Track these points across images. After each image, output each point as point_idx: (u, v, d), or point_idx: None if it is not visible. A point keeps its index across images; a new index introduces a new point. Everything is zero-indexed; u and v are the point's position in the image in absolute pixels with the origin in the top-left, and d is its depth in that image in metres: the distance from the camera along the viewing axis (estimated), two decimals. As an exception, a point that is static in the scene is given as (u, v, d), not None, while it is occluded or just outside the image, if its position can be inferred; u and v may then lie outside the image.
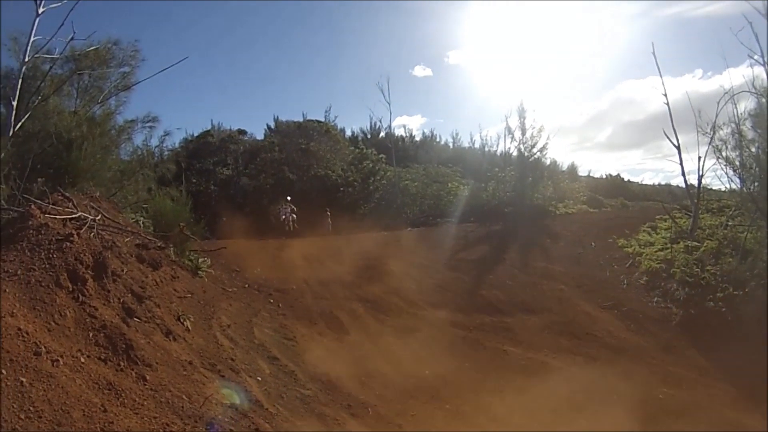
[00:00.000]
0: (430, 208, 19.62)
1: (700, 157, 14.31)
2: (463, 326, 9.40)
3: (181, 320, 6.60)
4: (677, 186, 16.27)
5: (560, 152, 55.07)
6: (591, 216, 18.66)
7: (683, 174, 15.35)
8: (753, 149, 12.72)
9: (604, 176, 29.04)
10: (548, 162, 22.30)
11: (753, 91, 12.71)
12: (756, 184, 12.54)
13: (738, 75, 16.97)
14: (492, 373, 7.83)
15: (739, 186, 13.18)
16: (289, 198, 19.67)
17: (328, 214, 18.51)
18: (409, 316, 9.69)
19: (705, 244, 12.44)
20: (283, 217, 18.83)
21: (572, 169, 27.19)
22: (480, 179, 20.37)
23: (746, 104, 13.07)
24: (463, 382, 7.47)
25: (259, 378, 6.23)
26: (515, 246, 14.15)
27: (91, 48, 12.37)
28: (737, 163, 12.93)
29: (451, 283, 11.49)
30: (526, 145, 19.45)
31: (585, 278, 11.96)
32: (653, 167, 49.10)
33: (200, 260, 9.74)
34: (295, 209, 19.08)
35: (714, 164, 13.77)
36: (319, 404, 6.07)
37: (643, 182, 30.05)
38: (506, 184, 19.25)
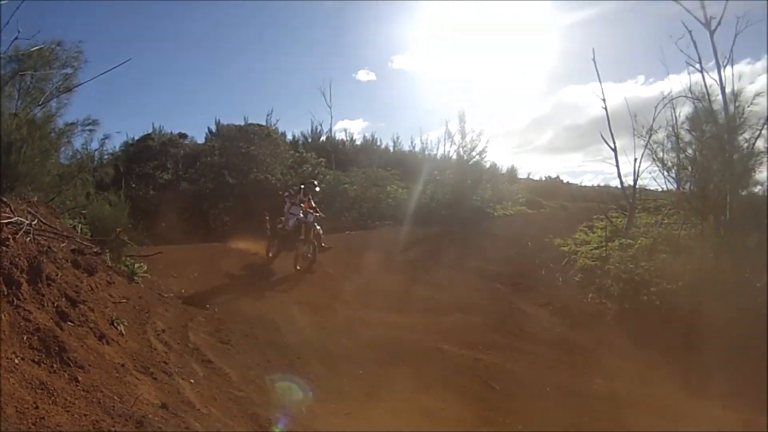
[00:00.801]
0: (369, 212, 19.54)
1: (636, 159, 14.92)
2: (398, 326, 9.47)
3: (115, 324, 6.59)
4: (615, 187, 16.97)
5: (501, 155, 55.65)
6: (529, 217, 19.11)
7: (619, 175, 15.90)
8: (689, 151, 13.19)
9: (544, 178, 29.56)
10: (488, 165, 22.57)
11: (690, 96, 13.20)
12: (689, 184, 13.08)
13: (679, 81, 17.96)
14: (426, 370, 7.95)
15: (675, 186, 13.68)
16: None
17: (267, 218, 17.86)
18: (345, 318, 9.75)
19: (639, 242, 12.89)
20: (291, 220, 12.47)
21: (512, 171, 27.44)
22: (419, 182, 20.44)
23: (681, 110, 13.57)
24: (397, 379, 7.55)
25: (192, 380, 6.23)
26: (452, 247, 14.38)
27: (35, 48, 12.06)
28: (671, 164, 13.44)
29: (387, 284, 11.62)
30: (465, 148, 19.86)
31: (520, 277, 12.29)
32: (593, 169, 50.28)
33: (136, 266, 9.67)
34: (319, 213, 12.92)
35: (650, 165, 14.44)
36: (252, 405, 6.08)
37: (583, 184, 30.35)
38: (445, 186, 19.50)
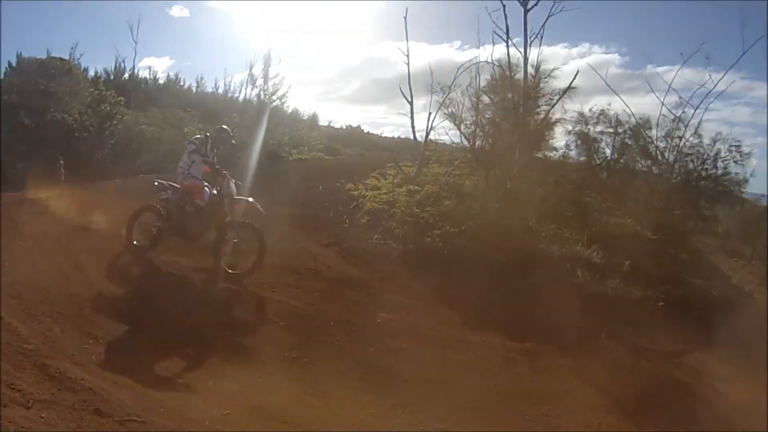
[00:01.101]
0: (166, 154, 17.65)
1: (430, 113, 15.40)
2: (181, 267, 9.07)
3: None
4: (414, 139, 17.61)
5: (304, 102, 55.04)
6: (324, 162, 19.04)
7: (413, 127, 16.72)
8: (488, 114, 14.26)
9: (345, 127, 29.28)
10: (289, 111, 22.56)
11: (493, 63, 14.06)
12: (481, 141, 14.10)
13: (483, 50, 19.88)
14: (206, 307, 7.80)
15: (468, 143, 14.46)
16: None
17: (61, 163, 15.20)
18: (128, 261, 9.22)
19: (426, 188, 13.40)
20: (206, 193, 8.88)
21: (313, 118, 27.04)
22: (218, 124, 19.57)
23: (484, 76, 14.33)
24: (181, 324, 7.35)
25: None
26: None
27: None
28: (461, 120, 14.30)
29: None
30: (266, 92, 19.68)
31: (308, 219, 12.21)
32: (395, 122, 52.42)
33: None
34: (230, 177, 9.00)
35: (443, 122, 15.11)
36: (41, 357, 5.84)
37: (384, 134, 30.25)
38: (242, 129, 18.44)
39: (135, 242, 9.06)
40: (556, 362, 7.59)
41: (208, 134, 9.58)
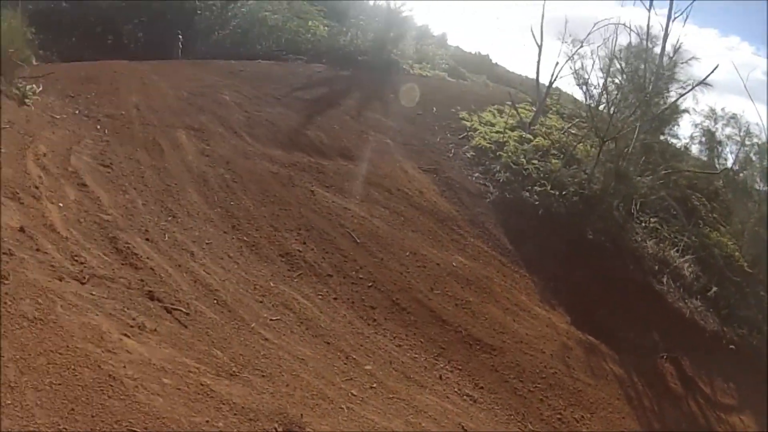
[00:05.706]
0: (286, 43, 17.64)
1: (557, 63, 14.24)
2: (277, 161, 9.13)
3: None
4: (537, 84, 16.05)
5: (435, 18, 48.79)
6: (444, 84, 17.79)
7: (537, 73, 15.58)
8: (617, 79, 13.29)
9: (474, 52, 26.66)
10: (420, 24, 21.33)
11: (628, 27, 13.25)
12: (605, 106, 13.40)
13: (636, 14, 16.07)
14: (294, 210, 7.99)
15: (592, 102, 13.81)
16: None
17: (180, 38, 15.29)
18: (229, 147, 9.20)
19: (537, 140, 12.55)
20: None
21: (443, 36, 25.47)
22: (343, 23, 19.13)
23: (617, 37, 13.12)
24: (263, 215, 7.66)
25: (61, 204, 6.12)
26: (356, 94, 13.38)
27: None
28: (586, 79, 13.55)
29: (279, 118, 10.69)
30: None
31: (414, 138, 11.57)
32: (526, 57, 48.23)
33: (28, 87, 8.84)
34: None
35: (570, 74, 14.05)
36: (116, 229, 6.07)
37: (511, 69, 26.62)
38: (367, 33, 18.13)
39: None
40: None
41: None
